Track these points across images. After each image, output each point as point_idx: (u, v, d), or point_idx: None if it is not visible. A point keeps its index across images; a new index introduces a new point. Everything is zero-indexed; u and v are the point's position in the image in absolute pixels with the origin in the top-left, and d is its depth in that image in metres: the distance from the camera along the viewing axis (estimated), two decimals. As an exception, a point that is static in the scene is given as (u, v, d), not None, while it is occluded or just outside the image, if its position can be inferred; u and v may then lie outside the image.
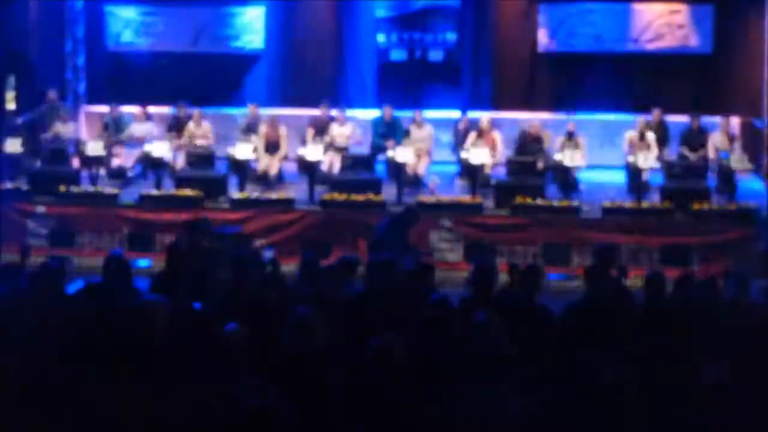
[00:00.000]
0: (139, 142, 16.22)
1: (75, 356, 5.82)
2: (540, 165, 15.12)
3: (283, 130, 16.17)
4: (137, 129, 16.54)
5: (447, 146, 17.04)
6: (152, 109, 17.02)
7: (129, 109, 16.99)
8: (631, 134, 15.67)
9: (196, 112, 16.44)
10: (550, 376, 6.27)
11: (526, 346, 6.37)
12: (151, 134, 16.32)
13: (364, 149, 15.99)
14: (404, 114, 16.27)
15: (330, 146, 15.81)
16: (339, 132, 16.03)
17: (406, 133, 15.86)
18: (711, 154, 15.43)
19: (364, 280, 8.17)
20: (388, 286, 7.42)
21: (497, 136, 15.93)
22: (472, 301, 7.64)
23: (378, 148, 15.72)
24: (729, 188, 14.63)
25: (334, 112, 16.18)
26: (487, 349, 6.02)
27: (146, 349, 5.82)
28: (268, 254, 11.25)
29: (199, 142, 16.22)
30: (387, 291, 7.38)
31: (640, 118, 15.67)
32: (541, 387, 5.93)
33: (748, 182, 15.26)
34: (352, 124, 16.26)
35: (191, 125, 16.41)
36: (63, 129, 16.58)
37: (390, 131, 15.86)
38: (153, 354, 5.83)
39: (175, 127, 16.68)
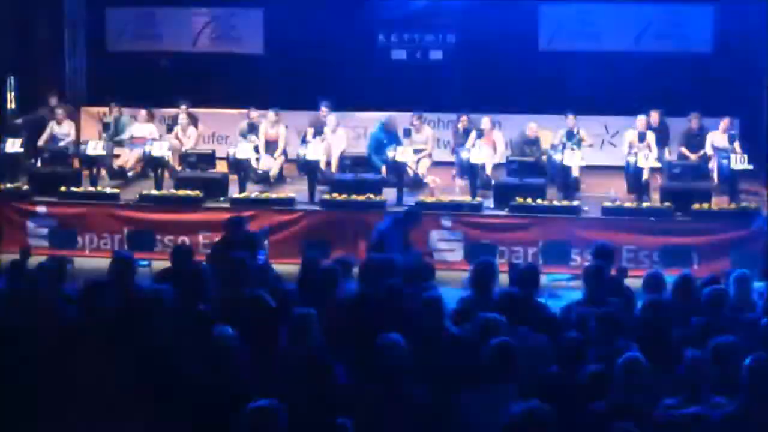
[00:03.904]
0: (140, 143, 16.24)
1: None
2: (539, 165, 15.13)
3: (282, 129, 16.21)
4: (138, 130, 16.53)
5: (447, 146, 17.08)
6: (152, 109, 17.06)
7: (130, 110, 17.01)
8: (631, 134, 15.69)
9: (183, 115, 16.49)
10: (550, 376, 6.28)
11: (526, 345, 6.37)
12: (152, 135, 16.34)
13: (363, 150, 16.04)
14: (404, 114, 16.31)
15: (328, 146, 15.86)
16: (332, 140, 16.02)
17: (406, 134, 15.85)
18: (708, 151, 15.50)
19: (361, 281, 8.16)
20: (387, 286, 7.42)
21: (498, 136, 15.94)
22: (473, 301, 7.66)
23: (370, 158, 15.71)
24: (729, 188, 14.62)
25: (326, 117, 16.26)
26: (490, 349, 6.02)
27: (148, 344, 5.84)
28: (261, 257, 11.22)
29: (187, 143, 16.28)
30: (386, 291, 7.38)
31: (640, 117, 15.69)
32: (542, 386, 5.94)
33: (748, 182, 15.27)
34: (344, 132, 16.27)
35: (178, 128, 16.47)
36: (58, 130, 16.57)
37: (389, 141, 15.86)
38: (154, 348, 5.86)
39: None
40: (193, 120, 16.90)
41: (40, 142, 16.31)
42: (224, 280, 7.94)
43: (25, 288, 7.71)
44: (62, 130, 16.62)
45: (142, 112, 16.64)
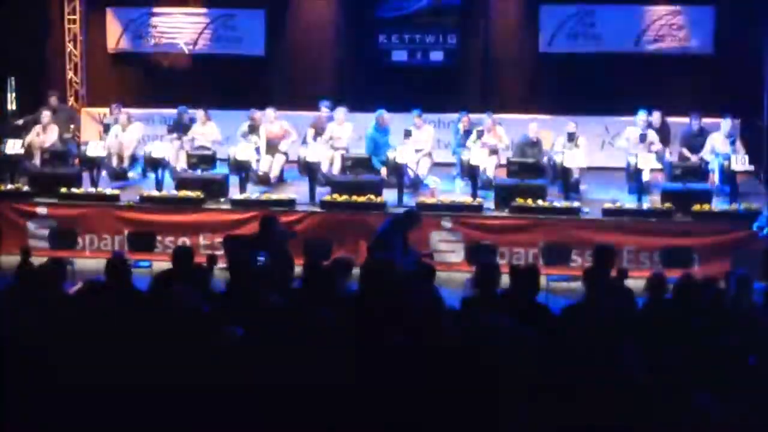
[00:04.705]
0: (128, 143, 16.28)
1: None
2: (540, 166, 15.14)
3: (285, 123, 16.23)
4: (122, 135, 16.44)
5: (447, 147, 17.08)
6: (152, 110, 17.08)
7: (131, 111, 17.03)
8: (632, 131, 15.70)
9: (200, 112, 16.47)
10: (551, 376, 6.27)
11: (528, 346, 6.36)
12: (136, 135, 16.34)
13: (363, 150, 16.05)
14: (405, 115, 16.32)
15: (330, 146, 15.87)
16: (338, 132, 16.06)
17: (407, 135, 15.85)
18: (707, 155, 15.46)
19: (361, 282, 8.16)
20: (386, 287, 7.40)
21: (501, 130, 15.97)
22: (476, 302, 7.65)
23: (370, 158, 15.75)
24: (729, 189, 14.62)
25: (333, 112, 16.26)
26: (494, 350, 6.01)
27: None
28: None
29: (206, 141, 16.25)
30: (386, 292, 7.37)
31: (641, 114, 15.69)
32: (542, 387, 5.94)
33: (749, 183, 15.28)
34: (351, 125, 16.29)
35: (197, 125, 16.44)
36: (41, 137, 16.26)
37: (382, 139, 15.90)
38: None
39: (177, 128, 16.70)
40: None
41: (21, 150, 15.76)
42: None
43: (24, 289, 7.70)
44: (44, 137, 16.38)
45: (123, 117, 16.54)
